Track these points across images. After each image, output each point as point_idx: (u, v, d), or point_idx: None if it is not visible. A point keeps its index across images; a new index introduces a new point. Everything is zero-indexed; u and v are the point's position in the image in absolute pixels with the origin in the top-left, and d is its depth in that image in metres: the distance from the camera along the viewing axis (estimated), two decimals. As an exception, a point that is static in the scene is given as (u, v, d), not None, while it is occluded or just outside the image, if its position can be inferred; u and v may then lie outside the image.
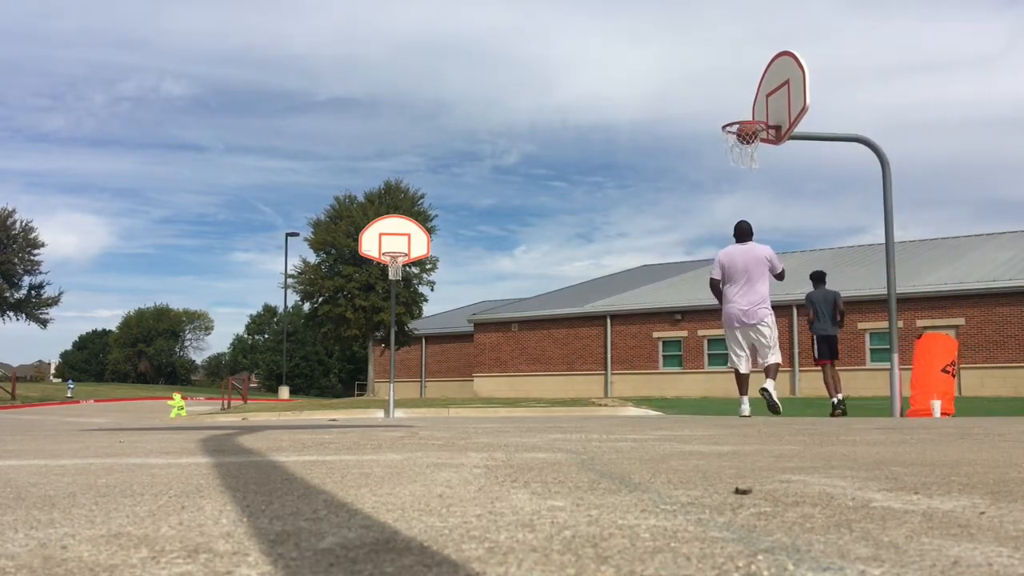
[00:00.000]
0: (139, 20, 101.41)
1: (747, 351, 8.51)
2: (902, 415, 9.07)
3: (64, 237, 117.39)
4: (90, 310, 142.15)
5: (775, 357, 8.48)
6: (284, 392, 41.54)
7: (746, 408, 8.36)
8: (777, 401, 8.39)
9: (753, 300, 8.48)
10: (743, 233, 8.69)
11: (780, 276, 8.62)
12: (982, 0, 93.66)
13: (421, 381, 44.66)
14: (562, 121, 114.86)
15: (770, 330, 8.49)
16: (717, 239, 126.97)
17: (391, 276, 14.98)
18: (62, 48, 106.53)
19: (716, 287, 8.68)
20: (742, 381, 8.57)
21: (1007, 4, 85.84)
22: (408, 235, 15.27)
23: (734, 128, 10.06)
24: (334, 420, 9.62)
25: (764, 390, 8.35)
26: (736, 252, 8.57)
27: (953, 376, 9.09)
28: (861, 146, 10.09)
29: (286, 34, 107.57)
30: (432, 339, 45.04)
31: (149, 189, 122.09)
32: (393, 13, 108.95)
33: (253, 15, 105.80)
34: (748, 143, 9.99)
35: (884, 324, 25.17)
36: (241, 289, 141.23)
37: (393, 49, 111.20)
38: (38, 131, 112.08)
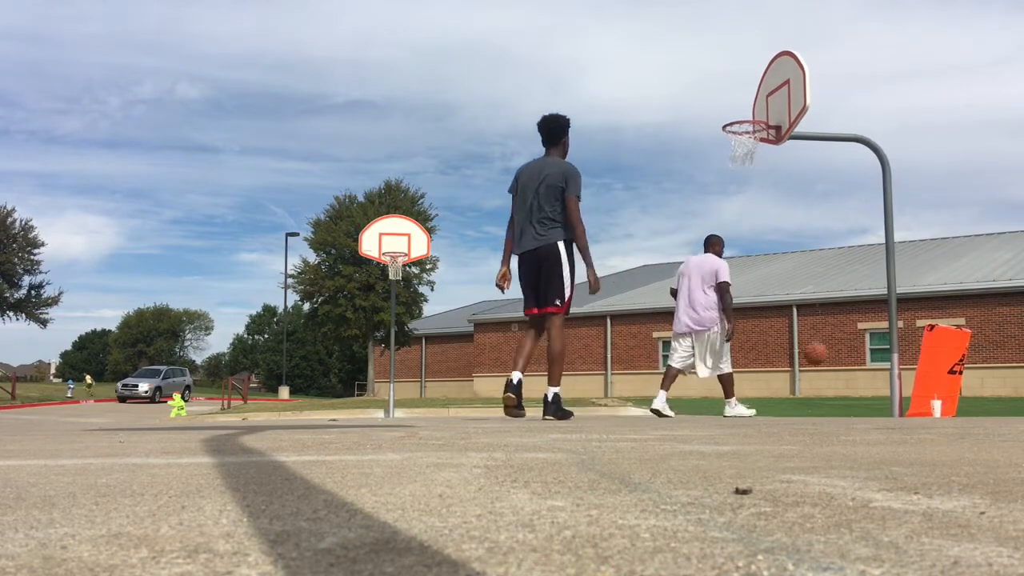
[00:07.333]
0: (157, 24, 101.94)
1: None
2: (902, 415, 9.06)
3: (73, 238, 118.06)
4: (95, 310, 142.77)
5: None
6: (284, 392, 41.58)
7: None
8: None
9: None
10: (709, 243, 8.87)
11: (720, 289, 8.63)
12: (994, 4, 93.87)
13: (421, 381, 44.64)
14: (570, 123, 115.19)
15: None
16: (724, 240, 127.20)
17: (391, 276, 14.99)
18: (80, 52, 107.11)
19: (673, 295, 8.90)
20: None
21: (1019, 8, 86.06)
22: (408, 235, 15.30)
23: (735, 128, 10.06)
24: (334, 420, 9.61)
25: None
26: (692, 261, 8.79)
27: (960, 374, 9.01)
28: (866, 148, 10.07)
29: (302, 38, 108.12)
30: (432, 339, 45.02)
31: (161, 190, 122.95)
32: (406, 18, 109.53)
33: (270, 19, 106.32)
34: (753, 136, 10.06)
35: (884, 324, 25.16)
36: (246, 289, 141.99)
37: (406, 53, 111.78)
38: (53, 133, 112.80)
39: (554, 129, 6.32)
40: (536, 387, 7.58)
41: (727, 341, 8.51)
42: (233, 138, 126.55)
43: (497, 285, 6.50)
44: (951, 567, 0.95)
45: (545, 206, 6.13)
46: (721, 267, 8.55)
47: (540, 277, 6.17)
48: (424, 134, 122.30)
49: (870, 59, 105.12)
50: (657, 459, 2.33)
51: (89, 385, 32.94)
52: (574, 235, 6.12)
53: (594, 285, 6.26)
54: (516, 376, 6.22)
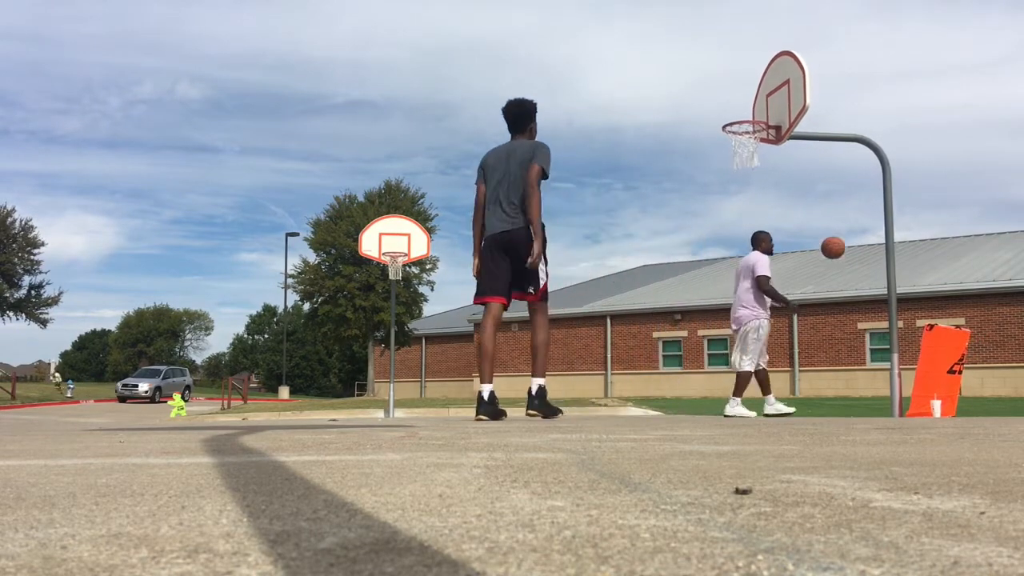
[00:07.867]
0: (157, 24, 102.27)
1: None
2: (902, 415, 9.06)
3: (73, 238, 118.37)
4: (95, 310, 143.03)
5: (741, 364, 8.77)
6: (284, 392, 41.58)
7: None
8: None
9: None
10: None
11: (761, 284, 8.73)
12: (994, 4, 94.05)
13: (421, 381, 44.61)
14: (570, 123, 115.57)
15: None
16: (723, 240, 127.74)
17: (391, 276, 14.99)
18: (80, 52, 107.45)
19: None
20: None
21: (1019, 8, 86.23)
22: (408, 235, 15.29)
23: (735, 128, 10.06)
24: (334, 420, 9.61)
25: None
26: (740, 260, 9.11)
27: (960, 374, 9.02)
28: (866, 148, 10.06)
29: (302, 38, 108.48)
30: (432, 339, 45.00)
31: (161, 190, 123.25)
32: (406, 18, 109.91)
33: (270, 19, 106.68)
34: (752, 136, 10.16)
35: (884, 324, 25.17)
36: (246, 289, 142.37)
37: (406, 53, 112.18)
38: (53, 133, 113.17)
39: (520, 115, 5.81)
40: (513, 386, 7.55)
41: (795, 313, 9.08)
42: (233, 138, 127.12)
43: (475, 277, 5.98)
44: (951, 567, 0.95)
45: (517, 186, 5.64)
46: (757, 262, 8.75)
47: (513, 264, 5.68)
48: (424, 134, 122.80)
49: (870, 59, 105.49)
50: (657, 459, 2.33)
51: (58, 384, 34.25)
52: (529, 202, 5.53)
53: (536, 259, 5.55)
54: (487, 390, 5.59)
